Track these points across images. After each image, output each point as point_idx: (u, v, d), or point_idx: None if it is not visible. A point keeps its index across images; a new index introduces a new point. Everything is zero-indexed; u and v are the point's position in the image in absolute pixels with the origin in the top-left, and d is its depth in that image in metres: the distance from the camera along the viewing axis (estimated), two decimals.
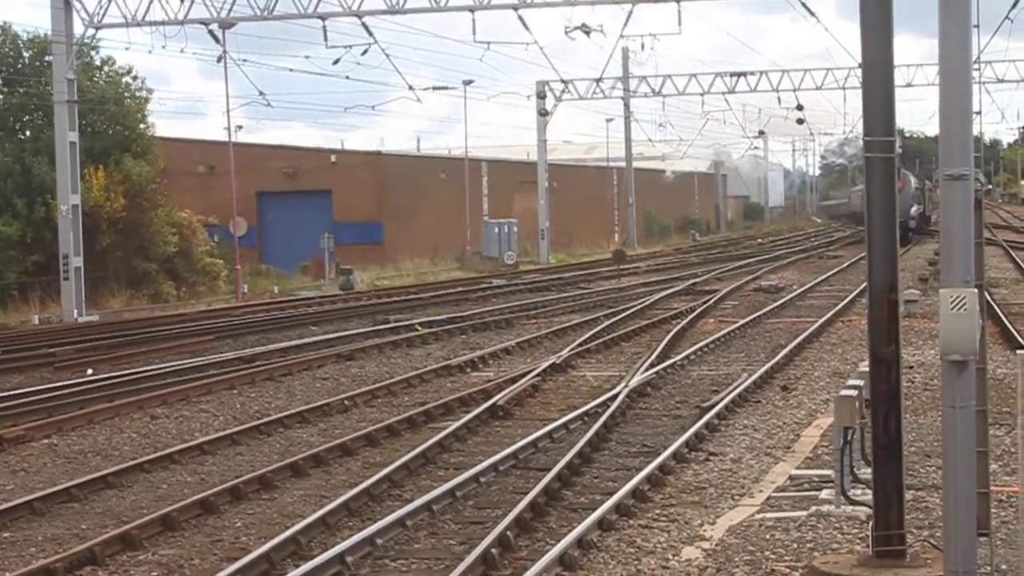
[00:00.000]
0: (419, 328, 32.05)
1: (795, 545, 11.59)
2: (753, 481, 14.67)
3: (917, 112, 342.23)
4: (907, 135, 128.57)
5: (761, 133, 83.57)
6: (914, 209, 71.75)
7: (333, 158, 67.46)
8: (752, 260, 58.96)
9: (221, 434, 18.47)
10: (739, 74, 67.62)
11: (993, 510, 10.28)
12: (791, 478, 14.53)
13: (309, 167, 66.14)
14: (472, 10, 39.27)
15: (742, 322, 31.39)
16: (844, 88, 67.01)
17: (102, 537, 12.56)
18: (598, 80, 66.57)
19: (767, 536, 11.93)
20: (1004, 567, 10.38)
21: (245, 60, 43.42)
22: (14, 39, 48.57)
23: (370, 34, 39.50)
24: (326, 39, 39.19)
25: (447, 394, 21.59)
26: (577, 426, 18.11)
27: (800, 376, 23.03)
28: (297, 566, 11.31)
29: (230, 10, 39.77)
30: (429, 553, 12.10)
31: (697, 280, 46.62)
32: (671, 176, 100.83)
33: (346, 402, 21.11)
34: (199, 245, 51.25)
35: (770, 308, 35.19)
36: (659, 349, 25.95)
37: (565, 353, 25.75)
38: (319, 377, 24.87)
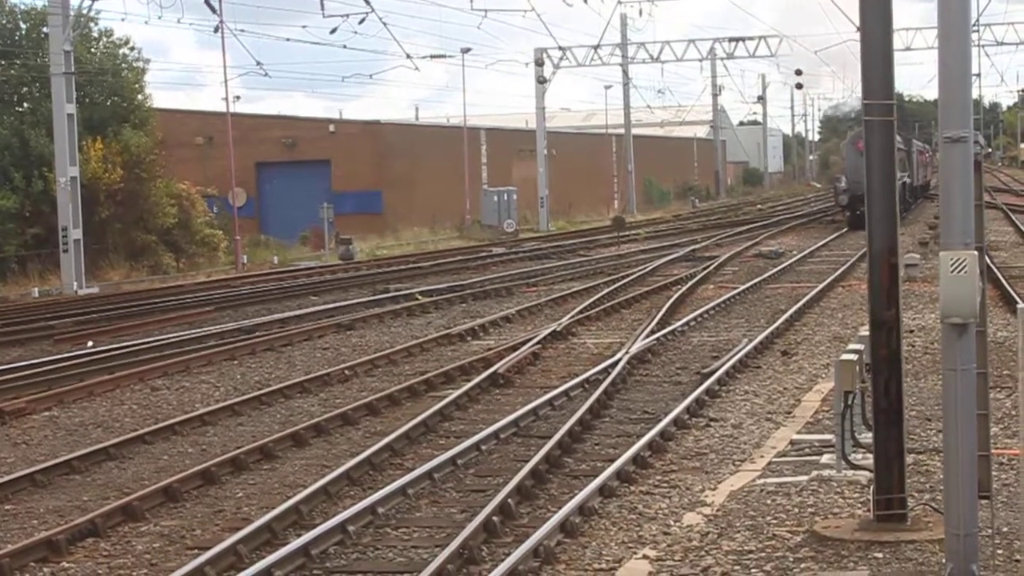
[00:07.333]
0: (419, 297, 32.03)
1: (796, 510, 11.59)
2: (754, 446, 14.67)
3: (916, 76, 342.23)
4: (906, 99, 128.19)
5: (760, 99, 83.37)
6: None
7: (332, 128, 67.29)
8: (752, 226, 58.88)
9: (222, 405, 18.47)
10: (738, 39, 67.45)
11: (994, 473, 10.27)
12: (792, 443, 14.53)
13: (308, 137, 66.00)
14: None
15: (742, 288, 31.37)
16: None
17: (104, 508, 12.57)
18: (596, 47, 66.35)
19: (768, 501, 11.94)
20: (1005, 529, 10.39)
21: (242, 30, 43.68)
22: (10, 11, 48.36)
23: (367, 3, 39.44)
24: (323, 8, 39.26)
25: (447, 363, 21.58)
26: (578, 393, 18.11)
27: (801, 341, 23.03)
28: (299, 535, 11.32)
29: None
30: (431, 521, 12.11)
31: (697, 246, 46.58)
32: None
33: (346, 372, 21.10)
34: (198, 216, 51.15)
35: (770, 273, 35.18)
36: (659, 316, 25.94)
37: (565, 320, 25.73)
38: (319, 347, 24.86)
